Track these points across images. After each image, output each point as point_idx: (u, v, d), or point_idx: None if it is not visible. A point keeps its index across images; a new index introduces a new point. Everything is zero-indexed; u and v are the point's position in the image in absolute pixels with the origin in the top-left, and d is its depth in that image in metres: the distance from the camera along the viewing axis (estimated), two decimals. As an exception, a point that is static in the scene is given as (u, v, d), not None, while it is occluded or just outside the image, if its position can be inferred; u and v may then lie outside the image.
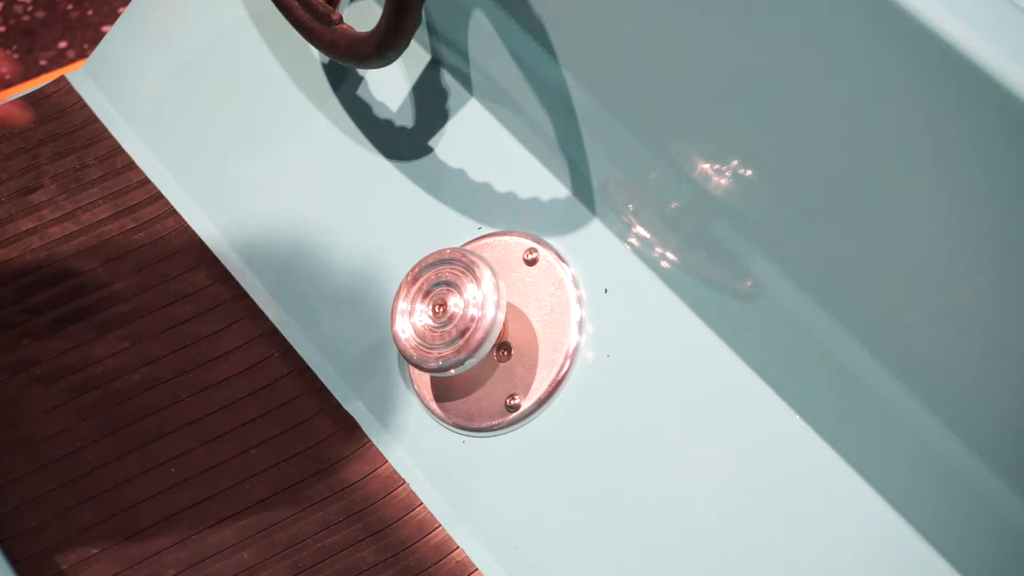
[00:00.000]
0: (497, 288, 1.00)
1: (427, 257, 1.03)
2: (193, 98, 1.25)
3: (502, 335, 1.03)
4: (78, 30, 2.20)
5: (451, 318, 1.00)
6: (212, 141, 1.22)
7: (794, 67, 0.89)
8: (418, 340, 1.01)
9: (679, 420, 0.99)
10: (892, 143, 0.85)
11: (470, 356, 0.99)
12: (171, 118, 1.25)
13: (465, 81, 1.15)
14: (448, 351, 1.00)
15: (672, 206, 1.01)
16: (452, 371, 1.00)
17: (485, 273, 1.00)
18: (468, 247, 1.08)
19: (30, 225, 1.18)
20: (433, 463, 1.04)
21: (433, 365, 1.00)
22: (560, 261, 1.05)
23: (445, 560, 0.99)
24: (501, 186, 1.11)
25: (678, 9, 0.95)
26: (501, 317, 1.00)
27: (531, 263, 1.06)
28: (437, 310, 1.01)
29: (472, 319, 0.99)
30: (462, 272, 1.01)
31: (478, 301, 1.00)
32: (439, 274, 1.01)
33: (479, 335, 0.99)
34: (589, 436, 1.01)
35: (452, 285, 1.01)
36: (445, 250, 1.03)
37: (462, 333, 0.99)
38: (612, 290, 1.04)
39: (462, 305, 1.00)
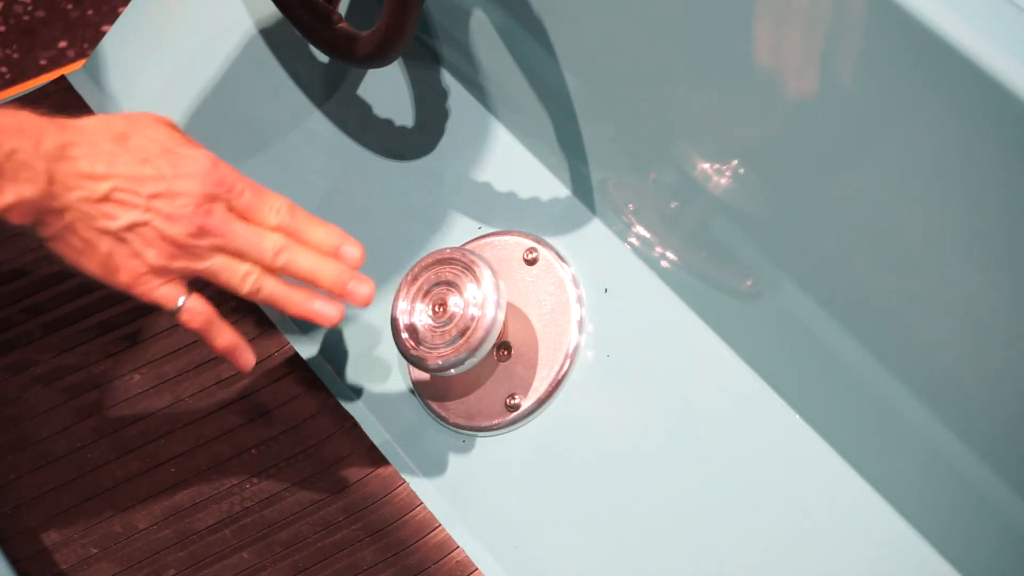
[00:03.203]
0: (497, 288, 1.00)
1: (427, 257, 1.03)
2: (193, 98, 1.25)
3: (502, 335, 1.03)
4: (78, 30, 2.20)
5: (451, 318, 1.00)
6: (212, 141, 1.22)
7: (794, 68, 0.89)
8: (418, 339, 1.01)
9: (679, 420, 0.99)
10: (892, 143, 0.85)
11: (470, 355, 0.99)
12: (171, 118, 1.25)
13: (465, 81, 1.15)
14: (448, 351, 1.00)
15: (672, 206, 1.01)
16: (452, 371, 1.00)
17: (485, 273, 1.00)
18: (468, 247, 1.08)
19: None
20: (433, 463, 1.04)
21: (433, 364, 1.00)
22: (560, 261, 1.06)
23: (445, 560, 0.99)
24: (501, 186, 1.11)
25: (678, 9, 0.95)
26: (501, 316, 1.00)
27: (531, 263, 1.06)
28: (437, 310, 1.01)
29: (472, 318, 0.99)
30: (462, 272, 1.01)
31: (478, 300, 1.00)
32: (439, 274, 1.01)
33: (479, 334, 0.99)
34: (589, 435, 1.01)
35: (452, 285, 1.01)
36: (445, 250, 1.03)
37: (462, 333, 1.00)
38: (612, 290, 1.04)
39: (462, 305, 1.00)
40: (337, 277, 0.94)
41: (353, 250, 0.95)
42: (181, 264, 0.92)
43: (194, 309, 0.93)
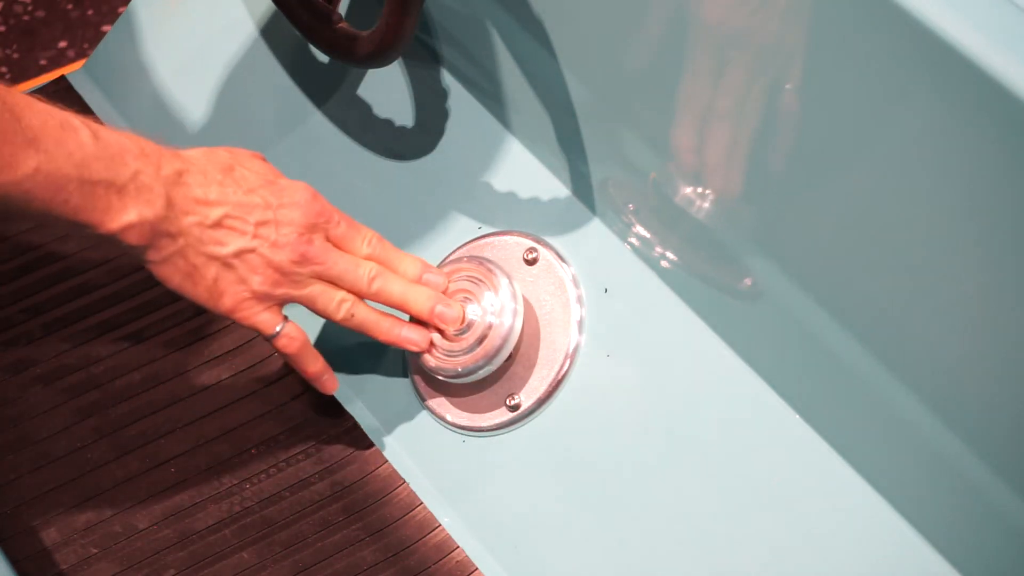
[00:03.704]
0: (514, 296, 1.01)
1: (442, 265, 1.04)
2: (193, 98, 1.25)
3: (502, 335, 1.04)
4: (78, 30, 2.20)
5: (469, 325, 1.01)
6: (212, 141, 1.22)
7: (794, 68, 0.89)
8: (435, 347, 1.01)
9: (679, 420, 0.99)
10: (892, 142, 0.85)
11: (487, 363, 1.01)
12: (171, 118, 1.25)
13: (465, 81, 1.15)
14: (466, 358, 1.01)
15: (672, 206, 1.01)
16: (467, 378, 1.01)
17: (502, 281, 1.01)
18: (469, 247, 1.08)
19: (30, 224, 1.18)
20: (433, 463, 1.04)
21: (451, 372, 1.01)
22: (560, 261, 1.06)
23: (445, 560, 0.99)
24: (501, 186, 1.11)
25: (678, 10, 0.95)
26: (519, 325, 1.01)
27: (531, 263, 1.06)
28: None
29: (490, 326, 1.00)
30: (480, 280, 1.02)
31: (495, 309, 1.01)
32: (456, 282, 1.02)
33: (496, 343, 1.00)
34: (589, 436, 1.01)
35: (469, 293, 1.01)
36: (462, 259, 1.04)
37: (479, 341, 1.00)
38: (612, 290, 1.04)
39: (480, 313, 1.01)
40: (427, 300, 1.00)
41: (437, 278, 1.01)
42: (282, 291, 0.96)
43: (291, 335, 0.97)
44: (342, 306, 0.97)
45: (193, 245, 0.92)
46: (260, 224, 0.94)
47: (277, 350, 0.98)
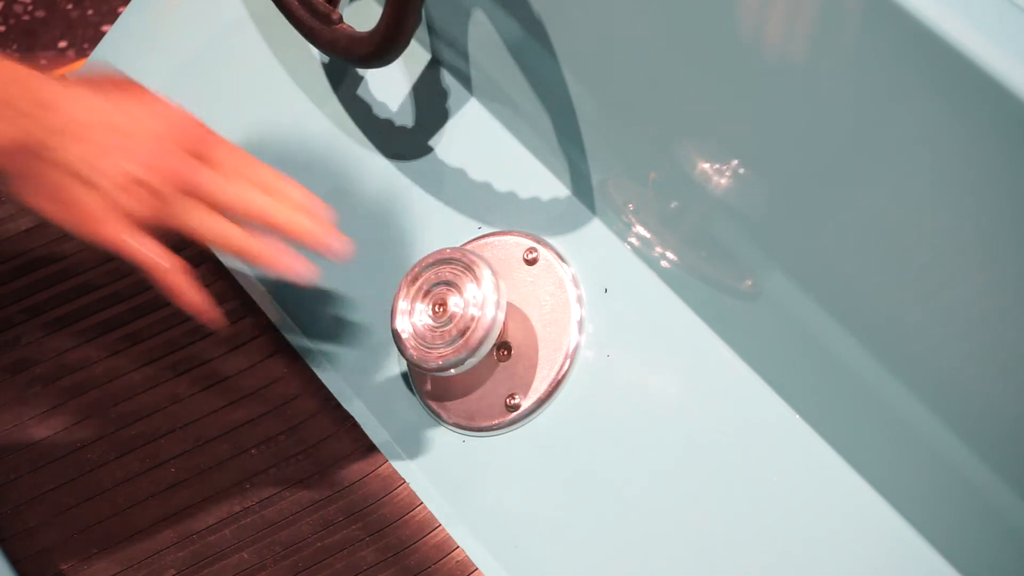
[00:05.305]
0: (497, 288, 1.00)
1: (427, 257, 1.03)
2: (193, 98, 1.25)
3: (502, 335, 1.03)
4: (78, 30, 2.20)
5: (451, 317, 1.00)
6: (212, 141, 1.22)
7: (794, 67, 0.89)
8: (418, 339, 1.01)
9: (678, 420, 0.99)
10: (892, 143, 0.85)
11: (470, 355, 0.99)
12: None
13: (465, 81, 1.15)
14: (448, 350, 1.00)
15: (672, 206, 1.01)
16: (452, 371, 1.00)
17: (485, 273, 1.00)
18: (468, 247, 1.08)
19: (29, 224, 1.18)
20: (433, 463, 1.04)
21: (433, 364, 1.00)
22: (560, 261, 1.06)
23: (445, 560, 0.99)
24: (501, 186, 1.11)
25: (678, 10, 0.95)
26: (501, 316, 1.00)
27: (531, 263, 1.06)
28: (437, 309, 1.01)
29: (472, 318, 0.99)
30: (462, 272, 1.01)
31: (478, 300, 1.00)
32: (439, 274, 1.01)
33: (479, 334, 0.99)
34: (589, 436, 1.01)
35: (452, 285, 1.01)
36: (445, 250, 1.03)
37: (462, 333, 1.00)
38: (612, 290, 1.04)
39: (462, 305, 1.00)
40: (303, 220, 0.95)
41: (297, 193, 0.96)
42: (152, 211, 0.92)
43: (162, 258, 0.93)
44: (216, 226, 0.93)
45: (60, 166, 0.89)
46: (128, 143, 0.91)
47: (146, 272, 0.94)
